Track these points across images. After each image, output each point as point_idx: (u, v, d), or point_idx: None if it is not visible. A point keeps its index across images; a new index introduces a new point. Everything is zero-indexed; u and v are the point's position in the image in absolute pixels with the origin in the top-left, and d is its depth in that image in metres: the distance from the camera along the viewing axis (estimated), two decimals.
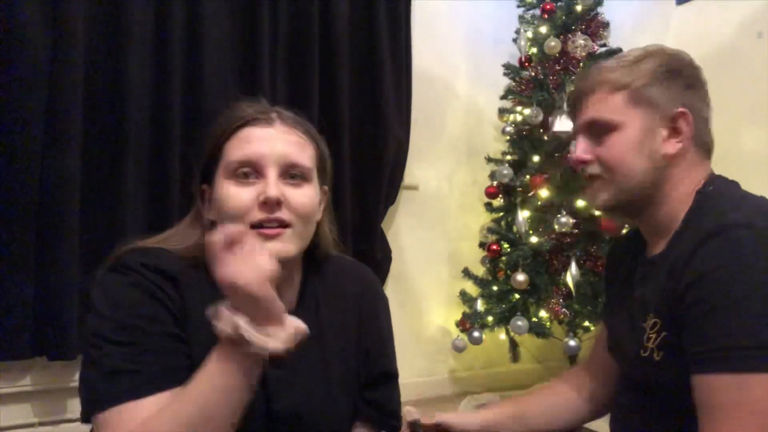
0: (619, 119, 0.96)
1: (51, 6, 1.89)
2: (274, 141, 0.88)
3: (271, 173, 0.86)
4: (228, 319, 0.72)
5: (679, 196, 0.95)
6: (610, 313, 1.12)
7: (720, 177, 0.98)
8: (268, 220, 0.84)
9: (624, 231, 1.24)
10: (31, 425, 1.94)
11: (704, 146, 0.98)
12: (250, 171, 0.86)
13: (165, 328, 0.81)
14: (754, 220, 0.82)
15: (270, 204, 0.84)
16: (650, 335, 0.90)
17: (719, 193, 0.94)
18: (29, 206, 1.85)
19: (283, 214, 0.85)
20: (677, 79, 0.96)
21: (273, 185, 0.84)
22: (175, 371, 0.79)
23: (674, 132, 0.95)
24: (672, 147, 0.95)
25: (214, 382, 0.74)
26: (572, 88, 1.05)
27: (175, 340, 0.82)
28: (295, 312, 0.84)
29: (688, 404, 0.83)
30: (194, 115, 2.16)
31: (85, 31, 1.95)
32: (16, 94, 1.83)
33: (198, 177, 0.92)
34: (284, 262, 0.83)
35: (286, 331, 0.74)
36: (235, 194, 0.85)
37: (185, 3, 2.16)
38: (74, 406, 2.00)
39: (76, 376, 2.10)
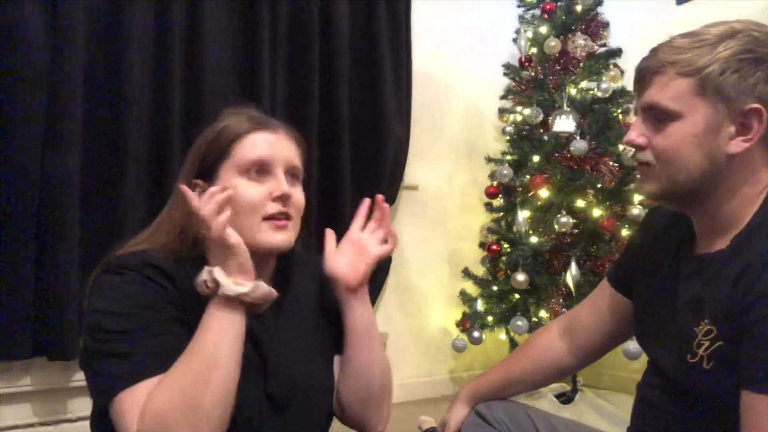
0: (681, 108, 0.86)
1: (51, 6, 1.89)
2: (280, 146, 1.00)
3: (280, 173, 0.98)
4: (207, 271, 0.85)
5: (744, 196, 0.87)
6: (646, 302, 1.04)
7: None
8: (280, 213, 0.96)
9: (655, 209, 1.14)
10: (31, 425, 1.94)
11: None
12: (260, 170, 0.97)
13: (165, 313, 0.88)
14: None
15: (284, 199, 0.96)
16: (702, 341, 0.84)
17: None
18: (29, 206, 1.85)
19: (288, 208, 0.97)
20: (759, 68, 0.84)
21: (285, 183, 0.97)
22: (180, 351, 0.85)
23: (744, 129, 0.85)
24: (737, 146, 0.85)
25: (209, 331, 0.85)
26: (640, 63, 0.93)
27: (176, 323, 0.89)
28: (273, 287, 0.95)
29: (733, 415, 0.80)
30: (194, 115, 2.16)
31: (85, 31, 1.95)
32: (16, 94, 1.83)
33: (192, 172, 1.00)
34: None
35: (255, 284, 0.86)
36: (252, 190, 0.96)
37: (185, 3, 2.16)
38: (74, 406, 2.00)
39: (76, 376, 2.10)
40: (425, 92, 2.86)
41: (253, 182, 0.96)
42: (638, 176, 0.96)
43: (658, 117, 0.89)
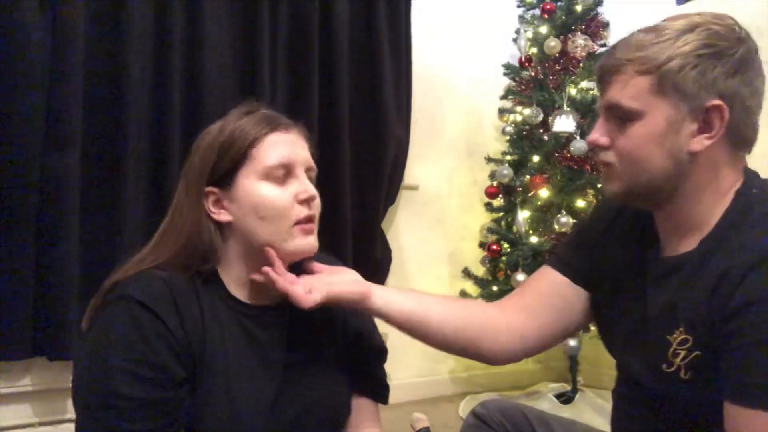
0: (641, 108, 0.84)
1: (51, 6, 1.89)
2: (298, 146, 0.96)
3: (302, 174, 0.94)
4: None
5: (709, 196, 0.85)
6: (611, 308, 0.99)
7: (759, 177, 0.88)
8: (310, 217, 0.93)
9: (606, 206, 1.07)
10: (31, 425, 1.94)
11: (740, 139, 0.85)
12: (284, 172, 0.93)
13: (173, 372, 0.84)
14: None
15: (310, 201, 0.93)
16: (678, 351, 0.82)
17: None
18: (29, 206, 1.85)
19: (314, 211, 0.94)
20: (720, 62, 0.81)
21: (310, 184, 0.94)
22: (179, 413, 0.85)
23: (705, 126, 0.83)
24: (699, 144, 0.83)
25: None
26: (600, 61, 0.91)
27: (181, 388, 0.85)
28: (287, 301, 0.91)
29: (713, 424, 0.78)
30: (194, 115, 2.16)
31: (85, 31, 1.95)
32: (16, 94, 1.83)
33: (203, 180, 0.93)
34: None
35: None
36: (278, 194, 0.91)
37: (185, 3, 2.16)
38: None
39: None
40: (425, 92, 2.86)
41: (277, 186, 0.91)
42: (601, 177, 0.94)
43: (620, 117, 0.87)
